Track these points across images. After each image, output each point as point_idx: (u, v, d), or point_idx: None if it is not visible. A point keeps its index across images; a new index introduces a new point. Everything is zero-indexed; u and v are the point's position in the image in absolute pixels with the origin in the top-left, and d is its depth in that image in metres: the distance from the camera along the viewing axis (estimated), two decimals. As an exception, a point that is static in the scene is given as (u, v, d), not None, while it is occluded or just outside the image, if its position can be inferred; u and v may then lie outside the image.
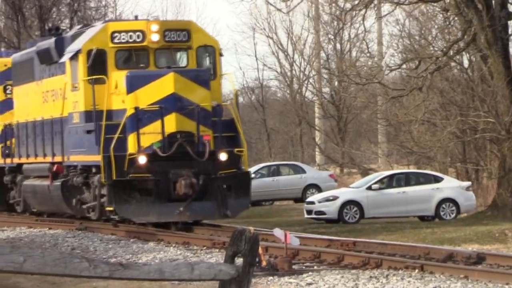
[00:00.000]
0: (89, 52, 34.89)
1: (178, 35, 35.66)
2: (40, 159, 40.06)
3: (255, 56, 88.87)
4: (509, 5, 47.59)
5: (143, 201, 33.83)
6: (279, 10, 57.51)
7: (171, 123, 33.88)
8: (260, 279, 25.04)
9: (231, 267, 9.85)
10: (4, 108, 44.79)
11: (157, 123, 33.79)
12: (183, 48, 36.11)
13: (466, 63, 58.00)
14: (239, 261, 10.16)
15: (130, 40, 35.26)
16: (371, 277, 25.56)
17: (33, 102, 40.65)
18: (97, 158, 34.30)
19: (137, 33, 35.15)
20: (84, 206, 36.87)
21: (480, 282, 24.01)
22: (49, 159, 38.89)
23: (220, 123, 35.14)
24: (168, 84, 33.90)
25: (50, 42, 38.75)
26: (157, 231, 35.82)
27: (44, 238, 38.22)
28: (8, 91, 44.76)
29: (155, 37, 35.10)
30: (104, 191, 34.83)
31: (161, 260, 29.50)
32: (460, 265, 26.81)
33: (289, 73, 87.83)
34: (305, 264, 28.34)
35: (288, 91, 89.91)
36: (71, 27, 78.81)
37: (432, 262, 27.23)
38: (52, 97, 38.45)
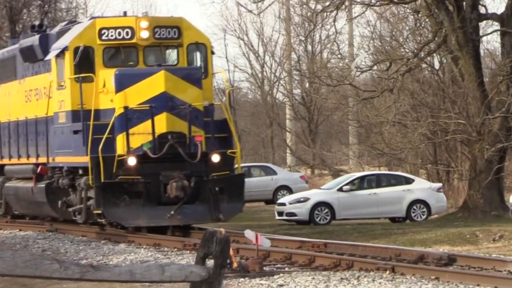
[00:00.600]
0: (76, 49, 34.17)
1: (169, 32, 35.00)
2: (23, 160, 39.41)
3: (226, 57, 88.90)
4: (480, 6, 47.73)
5: (132, 204, 33.00)
6: (250, 11, 57.94)
7: (162, 123, 33.22)
8: (231, 281, 25.08)
9: (202, 268, 9.86)
10: None
11: (147, 123, 33.15)
12: (174, 45, 35.47)
13: (437, 64, 58.16)
14: (210, 262, 10.17)
15: (119, 37, 34.52)
16: (342, 278, 25.62)
17: (16, 101, 40.07)
18: (84, 159, 33.58)
19: (126, 29, 34.45)
20: (70, 209, 36.07)
21: (451, 284, 24.11)
22: (33, 160, 38.24)
23: (213, 123, 34.48)
24: (159, 83, 33.22)
25: (34, 39, 38.01)
26: (127, 232, 35.81)
27: (14, 240, 38.22)
28: None
29: (144, 34, 34.43)
30: (91, 193, 34.01)
31: (132, 262, 29.53)
32: (431, 267, 26.91)
33: (260, 75, 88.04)
34: (276, 266, 28.39)
35: (259, 93, 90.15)
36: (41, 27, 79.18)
37: (403, 264, 27.31)
38: (36, 96, 37.82)
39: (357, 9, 57.62)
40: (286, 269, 27.89)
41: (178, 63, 35.10)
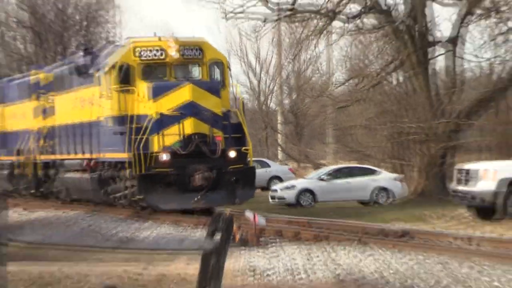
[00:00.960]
0: (119, 67, 34.06)
1: (193, 52, 34.77)
2: (77, 155, 39.04)
3: (230, 74, 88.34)
4: (429, 36, 47.71)
5: (166, 191, 32.57)
6: (249, 38, 57.35)
7: (188, 126, 32.88)
8: (234, 251, 25.14)
9: (212, 240, 9.99)
10: (40, 113, 43.67)
11: (177, 126, 32.84)
12: (197, 62, 35.02)
13: (396, 80, 57.95)
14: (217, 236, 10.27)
15: (153, 57, 34.28)
16: (321, 248, 25.69)
17: (70, 108, 39.67)
18: (126, 155, 33.19)
19: (159, 50, 34.28)
20: (113, 196, 35.66)
21: (404, 252, 24.18)
22: (84, 156, 37.94)
23: (230, 126, 34.19)
24: (186, 93, 32.94)
25: (85, 59, 37.96)
26: (153, 212, 35.80)
27: (66, 218, 38.24)
28: (40, 99, 43.58)
29: (174, 54, 34.14)
30: (132, 183, 33.61)
31: (157, 235, 29.56)
32: (390, 238, 27.03)
33: (257, 88, 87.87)
34: (269, 238, 28.32)
35: (256, 103, 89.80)
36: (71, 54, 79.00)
37: (367, 236, 27.43)
38: (86, 104, 37.48)
39: (334, 36, 57.51)
40: (278, 241, 27.91)
41: (200, 77, 34.70)
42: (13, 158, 48.55)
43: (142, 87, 33.65)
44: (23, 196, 47.17)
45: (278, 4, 47.17)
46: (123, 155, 33.43)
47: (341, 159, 63.26)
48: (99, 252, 24.79)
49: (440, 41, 48.89)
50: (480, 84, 54.78)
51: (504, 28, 50.11)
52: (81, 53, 39.96)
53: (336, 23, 49.71)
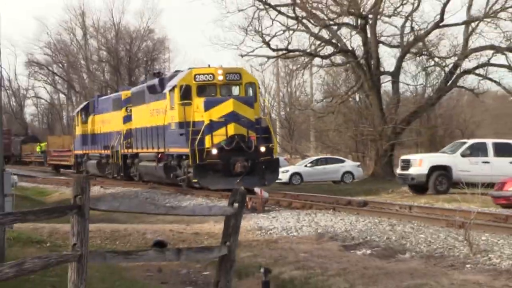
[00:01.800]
0: (181, 87, 33.46)
1: (234, 76, 34.07)
2: (150, 150, 38.37)
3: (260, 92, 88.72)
4: (381, 68, 47.65)
5: (215, 176, 31.79)
6: (257, 70, 57.26)
7: (231, 129, 32.00)
8: (247, 215, 25.06)
9: (232, 208, 9.85)
10: (126, 120, 43.03)
11: (223, 129, 32.00)
12: (237, 84, 34.21)
13: (359, 98, 57.92)
14: (235, 205, 10.16)
15: (205, 79, 33.63)
16: (306, 213, 25.58)
17: (144, 116, 39.24)
18: (186, 150, 32.39)
19: (210, 75, 33.69)
20: (178, 178, 34.99)
21: (364, 216, 24.07)
22: (155, 150, 37.24)
23: (260, 129, 33.16)
24: (229, 106, 32.12)
25: (155, 81, 37.55)
26: (192, 189, 35.74)
27: (130, 192, 38.19)
28: (128, 111, 43.04)
29: (220, 78, 33.61)
30: (190, 170, 32.85)
31: (194, 204, 29.53)
32: (355, 207, 26.87)
33: (262, 104, 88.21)
34: (271, 207, 28.27)
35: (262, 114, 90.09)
36: (145, 79, 79.22)
37: (339, 205, 27.29)
38: (156, 113, 37.04)
39: (314, 69, 57.50)
40: (277, 208, 27.88)
41: (239, 94, 33.87)
42: (101, 151, 48.17)
43: (197, 101, 33.03)
44: (107, 178, 46.72)
45: (277, 47, 47.05)
46: (184, 150, 32.80)
47: (320, 152, 63.09)
48: (153, 216, 24.70)
49: (387, 72, 48.83)
50: (415, 101, 54.71)
51: (431, 62, 50.20)
52: (154, 77, 39.42)
53: (316, 60, 49.77)
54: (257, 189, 28.33)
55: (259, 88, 36.04)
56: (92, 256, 7.74)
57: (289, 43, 46.89)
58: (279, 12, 46.56)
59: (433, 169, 33.07)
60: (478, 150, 33.29)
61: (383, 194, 34.38)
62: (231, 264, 9.72)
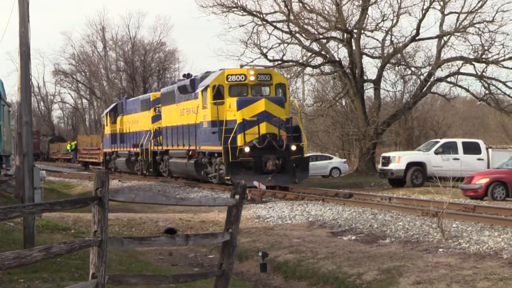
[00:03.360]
0: (214, 86, 31.08)
1: (265, 77, 31.69)
2: (180, 147, 35.62)
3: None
4: (364, 76, 47.58)
5: (247, 173, 29.29)
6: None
7: (263, 128, 29.65)
8: (247, 205, 25.03)
9: (234, 199, 9.82)
10: (155, 119, 40.74)
11: (255, 128, 29.61)
12: (267, 84, 31.72)
13: (345, 102, 57.82)
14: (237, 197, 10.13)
15: (237, 80, 31.20)
16: (299, 204, 25.57)
17: (174, 115, 36.81)
18: (219, 148, 30.11)
19: (242, 75, 31.28)
20: (209, 175, 32.39)
21: (350, 206, 24.04)
22: (186, 147, 34.59)
23: (291, 128, 30.80)
24: (261, 105, 29.81)
25: (186, 81, 34.91)
26: (199, 183, 35.54)
27: (145, 186, 38.11)
28: (156, 110, 40.85)
29: (252, 78, 31.18)
30: (222, 167, 30.51)
31: (200, 196, 29.47)
32: (341, 198, 26.83)
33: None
34: (268, 198, 28.23)
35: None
36: (158, 85, 79.18)
37: (327, 197, 27.25)
38: (187, 112, 34.69)
39: (306, 77, 57.41)
40: (273, 199, 27.81)
41: (269, 94, 31.57)
42: (130, 149, 46.09)
43: (230, 101, 30.65)
44: (136, 175, 44.75)
45: (273, 58, 46.97)
46: (217, 148, 30.53)
47: (311, 150, 62.95)
48: (164, 207, 24.68)
49: (369, 79, 48.78)
50: (394, 105, 54.67)
51: (408, 71, 50.18)
52: (184, 79, 36.93)
53: (308, 69, 49.66)
54: (255, 182, 28.17)
55: (288, 88, 33.79)
56: (111, 242, 7.73)
57: (284, 55, 46.81)
58: (275, 27, 46.58)
59: (410, 165, 33.06)
60: (449, 148, 33.28)
61: (366, 187, 34.33)
62: (233, 248, 9.71)
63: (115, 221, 20.78)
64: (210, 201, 11.05)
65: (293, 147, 30.00)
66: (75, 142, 74.29)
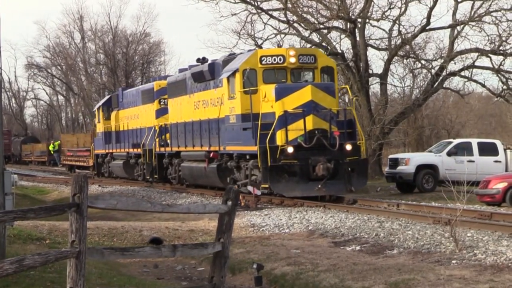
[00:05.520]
0: (244, 71, 27.61)
1: (308, 58, 28.17)
2: (197, 148, 32.14)
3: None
4: (369, 70, 47.67)
5: (290, 180, 26.23)
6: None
7: (309, 122, 26.28)
8: (240, 212, 25.04)
9: (225, 206, 9.83)
10: (159, 114, 37.67)
11: (300, 122, 26.25)
12: (311, 68, 28.40)
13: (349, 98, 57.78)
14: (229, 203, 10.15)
15: (274, 62, 27.75)
16: (298, 211, 25.58)
17: (186, 109, 33.29)
18: (253, 148, 26.65)
19: (280, 57, 27.81)
20: (238, 183, 28.78)
21: (354, 214, 24.05)
22: (205, 148, 31.18)
23: (346, 122, 27.51)
24: (307, 94, 26.35)
25: (203, 66, 31.36)
26: (187, 188, 35.49)
27: (127, 191, 38.11)
28: (162, 103, 37.71)
29: (292, 60, 27.72)
30: (256, 172, 27.32)
31: (189, 202, 29.48)
32: (344, 204, 26.81)
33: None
34: (264, 204, 28.15)
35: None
36: (141, 81, 79.27)
37: (329, 203, 27.20)
38: (203, 105, 31.41)
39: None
40: (269, 206, 27.71)
41: (313, 80, 28.09)
42: (128, 150, 42.24)
43: (265, 89, 27.34)
44: (138, 181, 41.40)
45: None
46: (250, 148, 27.10)
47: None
48: (149, 214, 24.69)
49: (375, 74, 48.87)
50: (403, 102, 54.74)
51: (418, 65, 50.26)
52: (198, 64, 32.88)
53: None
54: (250, 188, 28.06)
55: (337, 72, 30.29)
56: (90, 253, 7.73)
57: (280, 46, 46.86)
58: (271, 16, 46.57)
59: (420, 167, 33.10)
60: (463, 150, 33.33)
61: (372, 192, 34.35)
62: (225, 260, 9.72)
63: (95, 230, 20.78)
64: (199, 208, 11.07)
65: (348, 147, 26.95)
66: (59, 142, 71.67)
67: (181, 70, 36.23)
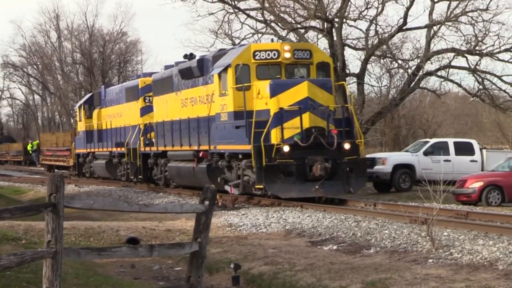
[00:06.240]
0: (237, 66, 26.67)
1: (303, 53, 27.30)
2: (185, 147, 31.04)
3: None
4: (347, 70, 47.77)
5: (286, 181, 25.33)
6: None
7: (306, 120, 25.46)
8: (217, 212, 25.01)
9: (202, 205, 9.82)
10: (144, 112, 36.80)
11: (296, 120, 25.40)
12: (306, 64, 27.48)
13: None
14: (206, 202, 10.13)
15: (268, 57, 26.84)
16: (275, 210, 25.56)
17: (173, 107, 32.28)
18: (247, 147, 25.77)
19: (274, 51, 26.92)
20: (230, 183, 28.01)
21: (331, 213, 24.06)
22: (194, 148, 30.14)
23: (344, 120, 26.72)
24: (303, 90, 25.46)
25: (191, 62, 30.34)
26: (164, 188, 35.35)
27: (104, 191, 37.95)
28: (146, 100, 36.87)
29: (287, 55, 26.91)
30: (248, 172, 26.48)
31: (166, 202, 29.40)
32: (321, 204, 26.74)
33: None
34: (241, 204, 28.10)
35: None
36: (118, 80, 79.01)
37: (306, 203, 27.13)
38: (192, 102, 30.43)
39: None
40: (246, 206, 27.66)
41: (309, 76, 27.21)
42: (111, 149, 41.26)
43: (258, 85, 26.45)
44: (120, 181, 40.37)
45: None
46: (244, 147, 26.17)
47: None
48: (126, 214, 24.62)
49: (352, 73, 48.97)
50: (380, 102, 54.92)
51: (395, 64, 50.43)
52: (185, 60, 31.80)
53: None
54: (227, 187, 28.03)
55: (334, 69, 29.42)
56: (66, 253, 7.70)
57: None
58: (248, 15, 46.58)
59: (397, 167, 33.20)
60: (439, 149, 33.49)
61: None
62: (202, 259, 9.71)
63: (71, 230, 20.69)
64: (176, 207, 11.05)
65: (347, 146, 26.08)
66: (37, 141, 70.46)
67: (167, 67, 35.28)
